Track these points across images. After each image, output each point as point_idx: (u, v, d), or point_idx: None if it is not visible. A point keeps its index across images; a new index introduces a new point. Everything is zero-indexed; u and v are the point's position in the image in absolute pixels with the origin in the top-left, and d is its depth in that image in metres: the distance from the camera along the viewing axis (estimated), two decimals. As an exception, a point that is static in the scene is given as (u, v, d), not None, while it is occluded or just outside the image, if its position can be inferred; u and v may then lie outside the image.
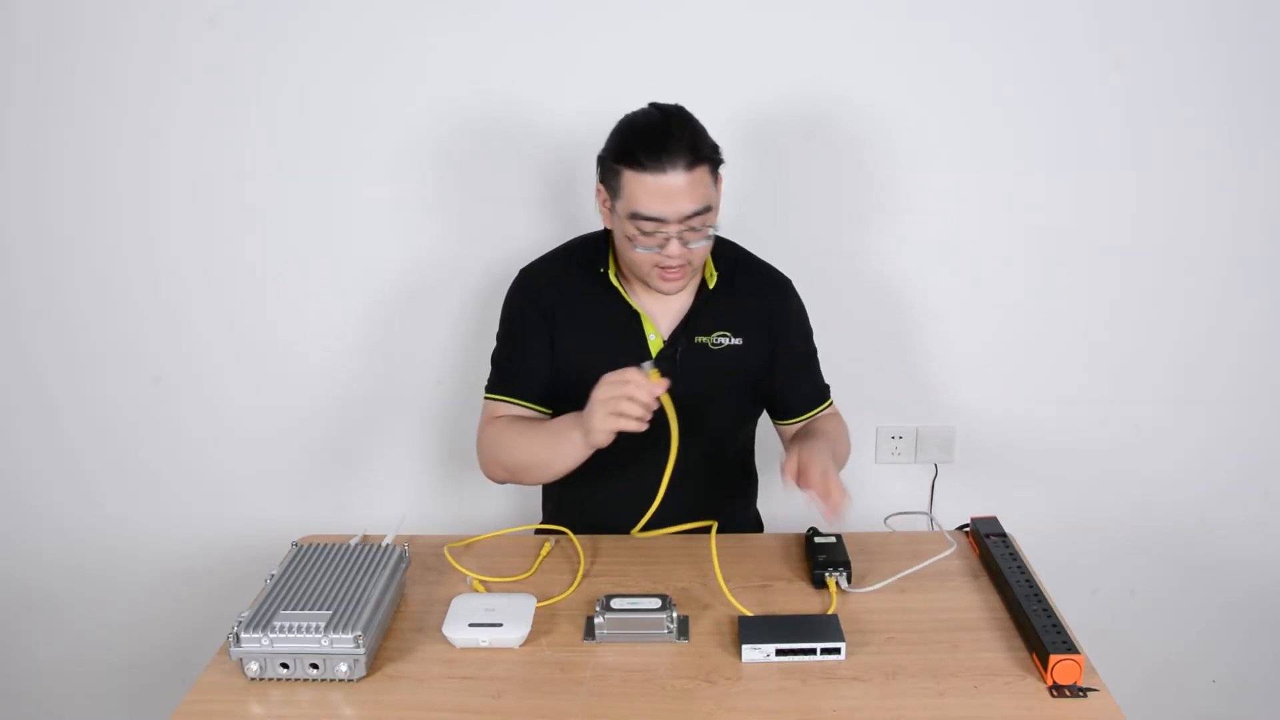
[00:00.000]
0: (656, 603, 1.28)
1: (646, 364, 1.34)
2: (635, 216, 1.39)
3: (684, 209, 1.37)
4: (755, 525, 1.74)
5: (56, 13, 1.77)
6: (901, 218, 1.90)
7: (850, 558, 1.40)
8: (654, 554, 1.49)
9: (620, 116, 1.49)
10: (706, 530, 1.45)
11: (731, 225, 1.69)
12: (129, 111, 1.83)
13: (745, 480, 1.71)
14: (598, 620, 1.27)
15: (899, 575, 1.40)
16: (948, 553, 1.45)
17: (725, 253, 1.59)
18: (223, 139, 1.84)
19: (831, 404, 1.65)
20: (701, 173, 1.38)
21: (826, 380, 1.67)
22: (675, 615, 1.29)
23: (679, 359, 1.52)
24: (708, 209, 1.40)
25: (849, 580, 1.38)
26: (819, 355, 1.66)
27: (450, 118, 1.84)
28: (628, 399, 1.31)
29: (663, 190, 1.36)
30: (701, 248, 1.43)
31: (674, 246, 1.40)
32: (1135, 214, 1.90)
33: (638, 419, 1.31)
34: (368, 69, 1.81)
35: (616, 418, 1.32)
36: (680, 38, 1.79)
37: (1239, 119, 1.84)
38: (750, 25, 1.79)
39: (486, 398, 1.58)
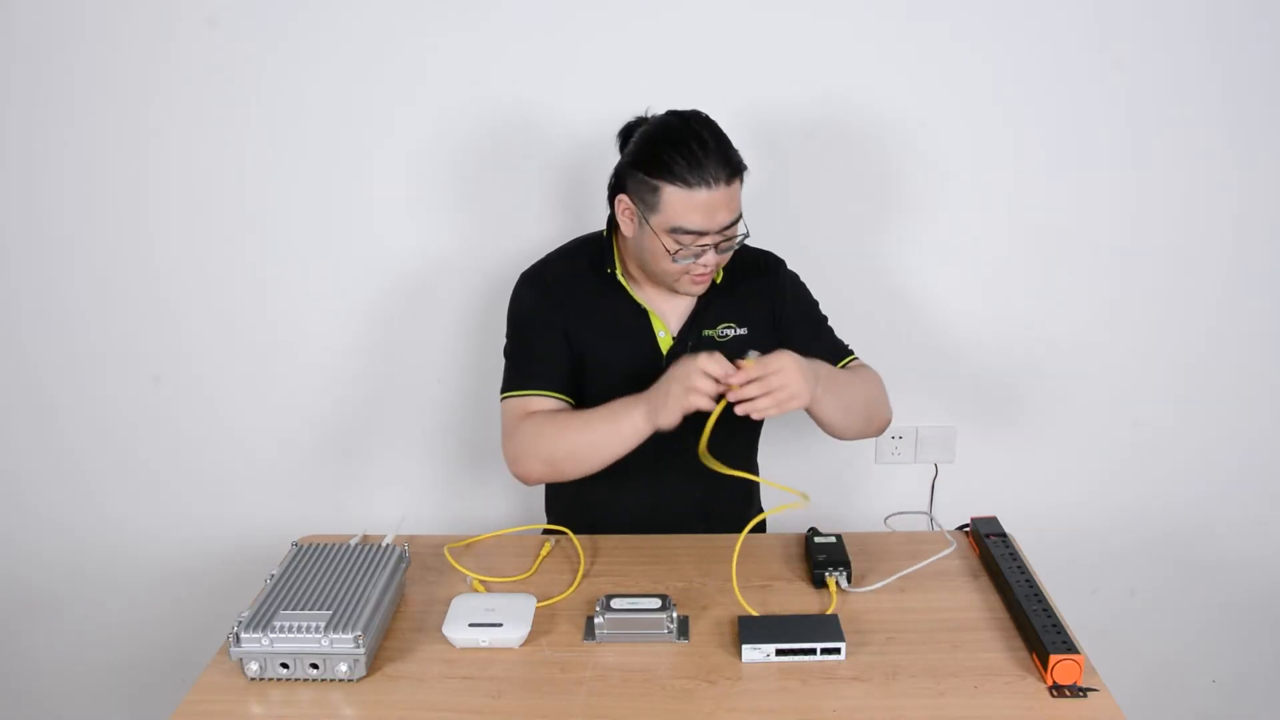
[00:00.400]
0: (656, 603, 1.28)
1: (752, 353, 1.33)
2: (677, 231, 1.40)
3: (723, 220, 1.40)
4: (758, 524, 1.74)
5: (56, 13, 1.77)
6: (902, 217, 1.90)
7: (850, 558, 1.40)
8: (654, 554, 1.49)
9: (623, 117, 1.49)
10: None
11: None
12: (129, 111, 1.83)
13: (752, 468, 1.71)
14: (598, 620, 1.27)
15: (898, 575, 1.40)
16: (947, 551, 1.46)
17: None
18: (223, 139, 1.84)
19: (856, 358, 1.61)
20: (737, 184, 1.41)
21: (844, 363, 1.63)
22: (675, 615, 1.29)
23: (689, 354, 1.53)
24: (740, 216, 1.43)
25: (849, 580, 1.38)
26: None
27: (450, 118, 1.84)
28: (701, 373, 1.31)
29: (706, 205, 1.38)
30: (731, 253, 1.47)
31: (710, 256, 1.43)
32: (1135, 214, 1.90)
33: (708, 395, 1.31)
34: (367, 69, 1.81)
35: (689, 392, 1.32)
36: (681, 37, 1.79)
37: (1239, 119, 1.84)
38: (751, 25, 1.79)
39: (508, 398, 1.53)
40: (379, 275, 1.93)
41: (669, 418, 1.35)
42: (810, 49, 1.80)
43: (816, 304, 1.64)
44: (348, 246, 1.91)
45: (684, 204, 1.38)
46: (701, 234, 1.40)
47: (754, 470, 1.72)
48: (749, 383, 1.31)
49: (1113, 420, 2.02)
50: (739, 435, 1.64)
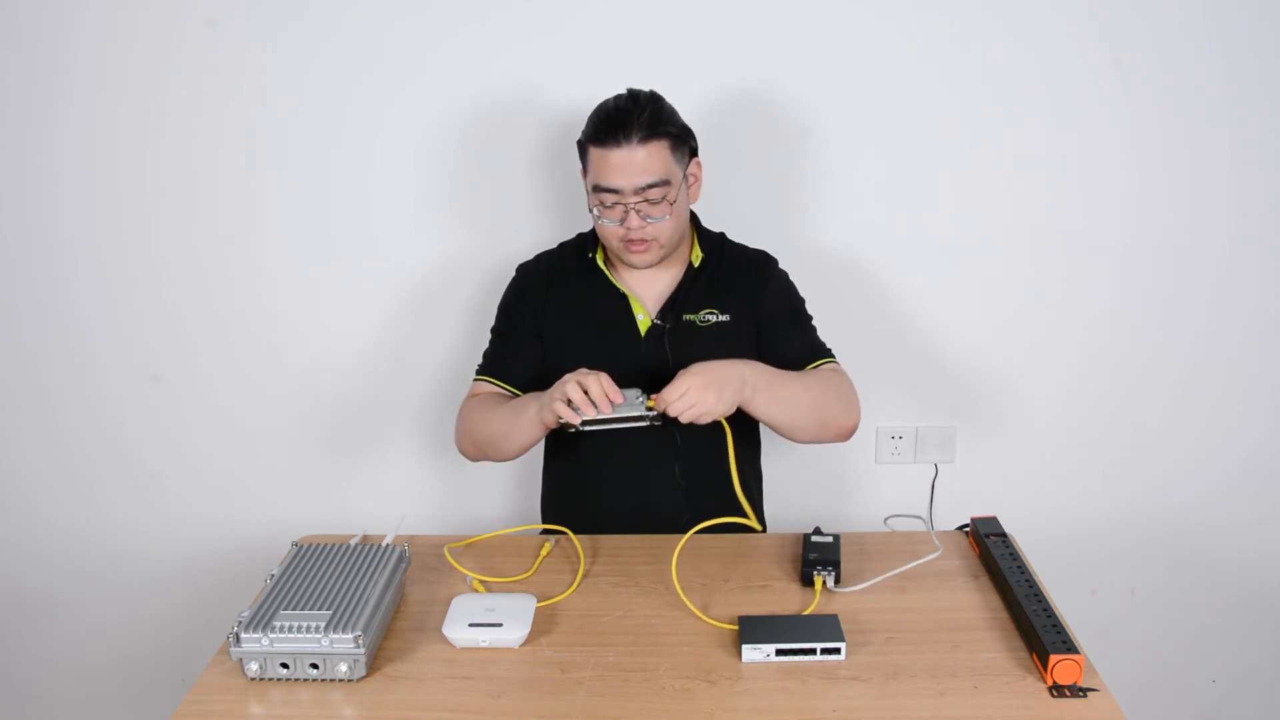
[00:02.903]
0: (635, 392, 1.37)
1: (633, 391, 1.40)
2: (596, 189, 1.47)
3: (638, 181, 1.45)
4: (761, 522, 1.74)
5: (57, 13, 1.77)
6: (901, 217, 1.90)
7: (843, 558, 1.41)
8: (653, 554, 1.48)
9: None
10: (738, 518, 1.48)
11: (729, 221, 1.69)
12: (129, 112, 1.83)
13: (746, 457, 1.71)
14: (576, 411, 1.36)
15: (882, 577, 1.41)
16: (932, 556, 1.46)
17: (711, 239, 1.64)
18: (222, 139, 1.85)
19: (831, 361, 1.61)
20: (658, 147, 1.45)
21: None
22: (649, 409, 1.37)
23: (667, 337, 1.55)
24: (665, 183, 1.46)
25: (837, 580, 1.38)
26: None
27: (450, 118, 1.84)
28: (575, 384, 1.36)
29: (618, 162, 1.44)
30: (664, 224, 1.48)
31: (633, 219, 1.47)
32: (1135, 214, 1.90)
33: (571, 403, 1.35)
34: (367, 69, 1.81)
35: (555, 400, 1.37)
36: (682, 37, 1.79)
37: (1239, 118, 1.84)
38: (752, 24, 1.79)
39: (474, 379, 1.65)
40: (379, 275, 1.93)
41: (547, 417, 1.42)
42: (810, 48, 1.81)
43: (803, 302, 1.65)
44: (348, 246, 1.91)
45: (599, 161, 1.46)
46: (618, 193, 1.45)
47: (753, 459, 1.73)
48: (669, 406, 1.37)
49: (1112, 420, 2.02)
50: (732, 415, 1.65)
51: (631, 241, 1.49)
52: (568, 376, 1.39)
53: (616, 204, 1.46)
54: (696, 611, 1.33)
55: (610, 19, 1.79)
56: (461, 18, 1.78)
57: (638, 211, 1.46)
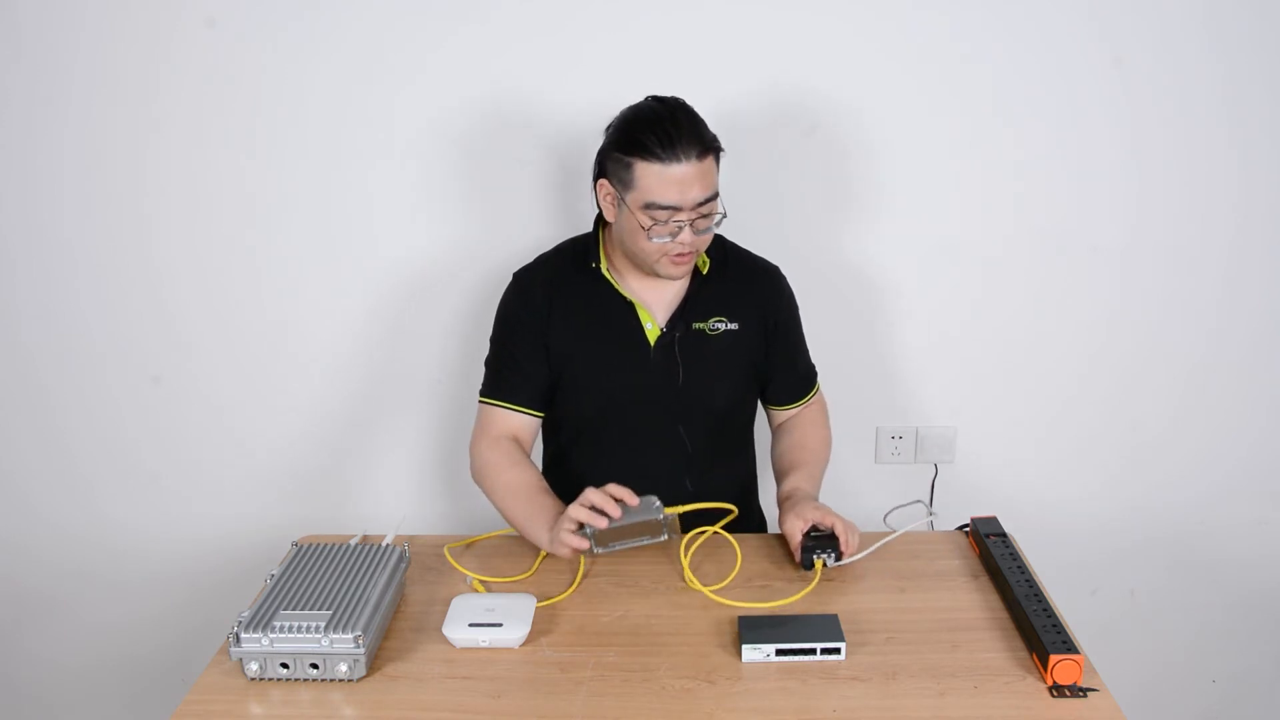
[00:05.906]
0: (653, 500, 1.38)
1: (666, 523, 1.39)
2: (650, 206, 1.43)
3: (697, 196, 1.42)
4: (759, 521, 1.74)
5: (57, 13, 1.77)
6: (902, 217, 1.90)
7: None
8: (653, 553, 1.48)
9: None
10: (725, 513, 1.51)
11: (730, 222, 1.69)
12: (129, 111, 1.83)
13: (747, 461, 1.72)
14: (588, 529, 1.35)
15: (879, 544, 1.47)
16: (920, 521, 1.52)
17: (715, 242, 1.62)
18: (222, 139, 1.84)
19: (816, 389, 1.70)
20: (709, 161, 1.44)
21: (822, 376, 1.70)
22: (665, 515, 1.37)
23: (677, 346, 1.54)
24: (715, 195, 1.46)
25: (838, 558, 1.42)
26: (810, 346, 1.71)
27: (449, 118, 1.84)
28: (581, 504, 1.36)
29: (677, 179, 1.41)
30: (710, 234, 1.49)
31: (686, 234, 1.45)
32: (1135, 214, 1.90)
33: (577, 523, 1.36)
34: (367, 69, 1.81)
35: (557, 546, 1.38)
36: (681, 37, 1.79)
37: (1239, 118, 1.84)
38: (752, 23, 1.79)
39: (481, 401, 1.60)
40: (379, 275, 1.93)
41: (559, 550, 1.40)
42: (810, 47, 1.81)
43: (801, 324, 1.67)
44: (348, 246, 1.91)
45: (656, 179, 1.41)
46: (675, 209, 1.42)
47: (751, 461, 1.73)
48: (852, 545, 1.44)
49: (1112, 420, 2.02)
50: (731, 431, 1.66)
51: (678, 255, 1.47)
52: (570, 510, 1.37)
53: (672, 220, 1.43)
54: (705, 590, 1.33)
55: (610, 19, 1.79)
56: (461, 18, 1.78)
57: (693, 227, 1.44)
